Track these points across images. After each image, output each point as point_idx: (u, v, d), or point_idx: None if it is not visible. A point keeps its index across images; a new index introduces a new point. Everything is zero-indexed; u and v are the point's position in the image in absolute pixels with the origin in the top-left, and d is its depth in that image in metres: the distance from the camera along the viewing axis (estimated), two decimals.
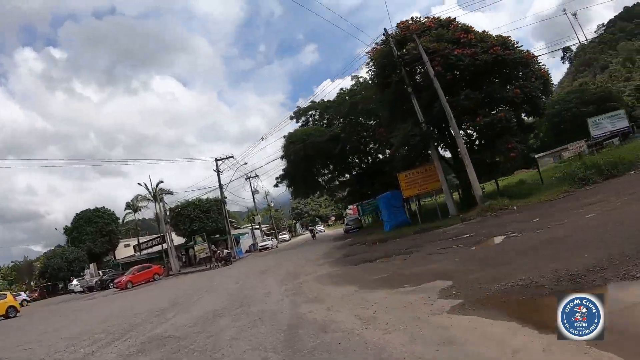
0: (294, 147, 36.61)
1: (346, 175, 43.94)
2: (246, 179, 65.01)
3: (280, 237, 72.96)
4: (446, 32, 24.13)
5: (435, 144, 25.15)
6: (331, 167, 41.69)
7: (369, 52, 27.53)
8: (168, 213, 48.95)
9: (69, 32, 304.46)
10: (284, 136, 39.56)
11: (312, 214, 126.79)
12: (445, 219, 22.76)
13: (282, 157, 39.55)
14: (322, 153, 36.60)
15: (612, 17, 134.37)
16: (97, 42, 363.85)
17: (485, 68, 22.66)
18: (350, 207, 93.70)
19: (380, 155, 41.76)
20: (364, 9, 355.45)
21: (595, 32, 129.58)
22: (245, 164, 50.35)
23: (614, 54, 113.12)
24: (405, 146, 23.20)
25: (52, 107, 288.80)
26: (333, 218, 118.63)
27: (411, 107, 24.81)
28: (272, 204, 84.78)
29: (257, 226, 69.62)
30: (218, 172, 47.90)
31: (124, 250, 67.98)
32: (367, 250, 19.59)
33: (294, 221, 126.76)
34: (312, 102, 41.70)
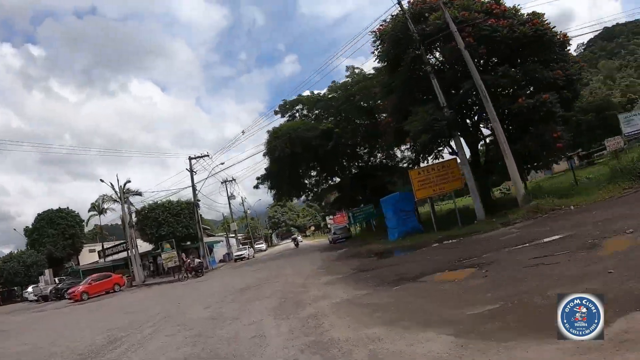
0: (279, 142, 31.69)
1: (334, 179, 39.47)
2: (222, 183, 60.19)
3: (256, 246, 68.59)
4: (472, 3, 20.06)
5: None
6: (319, 168, 36.93)
7: (376, 29, 23.22)
8: (134, 216, 43.53)
9: (49, 30, 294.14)
10: (268, 131, 34.69)
11: (289, 223, 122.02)
12: (470, 224, 18.65)
13: (264, 154, 34.52)
14: (311, 151, 31.89)
15: (592, 37, 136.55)
16: (76, 42, 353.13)
17: (522, 43, 18.59)
18: (337, 214, 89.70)
19: (372, 159, 38.02)
20: (345, 22, 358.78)
21: (575, 51, 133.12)
22: (222, 163, 44.95)
23: (595, 71, 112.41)
24: (428, 133, 18.66)
25: (28, 106, 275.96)
26: (312, 228, 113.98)
27: (427, 90, 20.67)
28: (248, 211, 79.61)
29: (233, 234, 64.36)
30: (191, 171, 42.61)
31: (89, 256, 61.13)
32: (379, 263, 15.26)
33: (271, 231, 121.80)
34: (299, 95, 37.13)
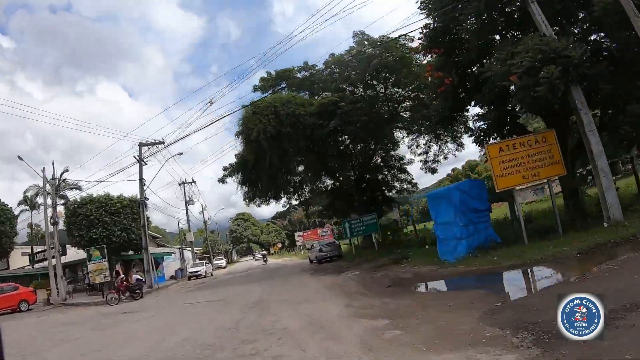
0: (259, 121, 22.89)
1: (325, 181, 31.24)
2: (180, 185, 50.56)
3: (215, 262, 59.06)
4: None
5: None
6: (309, 161, 27.72)
7: None
8: (63, 212, 33.54)
9: (21, 22, 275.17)
10: (245, 105, 25.49)
11: (251, 239, 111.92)
12: (592, 229, 11.34)
13: (237, 134, 25.21)
14: (303, 135, 23.41)
15: None
16: (48, 38, 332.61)
17: None
18: (309, 230, 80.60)
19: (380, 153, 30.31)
20: (316, 46, 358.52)
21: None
22: (181, 154, 35.41)
23: None
24: (555, 64, 10.43)
25: None
26: (279, 245, 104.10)
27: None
28: (208, 222, 69.58)
29: (189, 247, 54.48)
30: (140, 160, 33.17)
31: (21, 260, 49.01)
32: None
33: (232, 246, 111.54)
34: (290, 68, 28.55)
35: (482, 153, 23.80)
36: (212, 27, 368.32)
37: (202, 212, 65.45)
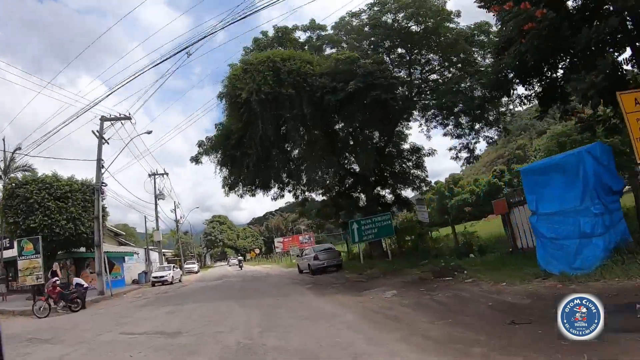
0: (251, 79, 16.83)
1: (328, 171, 24.77)
2: (150, 176, 44.25)
3: (186, 266, 53.02)
4: None
5: None
6: (307, 140, 20.68)
7: None
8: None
9: (6, 8, 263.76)
10: (232, 65, 19.45)
11: (227, 243, 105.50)
12: None
13: (220, 97, 18.90)
14: (312, 100, 17.22)
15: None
16: (32, 26, 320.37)
17: None
18: (291, 236, 74.48)
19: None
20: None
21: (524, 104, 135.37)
22: (150, 132, 29.00)
23: (553, 122, 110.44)
24: None
25: None
26: (256, 251, 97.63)
27: None
28: (181, 220, 62.67)
29: (157, 247, 47.86)
30: (101, 137, 26.81)
31: None
32: None
33: (206, 249, 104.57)
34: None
35: (463, 167, 19.42)
36: (198, 27, 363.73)
37: (175, 209, 58.93)
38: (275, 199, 24.37)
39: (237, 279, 29.11)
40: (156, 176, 44.59)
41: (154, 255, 45.52)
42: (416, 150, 25.00)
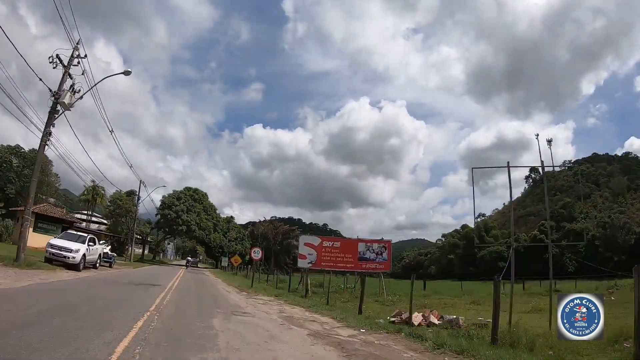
0: None
1: None
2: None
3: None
4: None
5: None
6: None
7: None
8: None
9: None
10: None
11: (197, 233, 67.95)
12: None
13: None
14: None
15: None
16: None
17: None
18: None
19: None
20: (318, 80, 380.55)
21: (560, 166, 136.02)
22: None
23: (593, 187, 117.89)
24: None
25: None
26: (238, 259, 62.93)
27: None
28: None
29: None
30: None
31: None
32: None
33: (158, 232, 73.22)
34: None
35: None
36: (225, 21, 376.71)
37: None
38: None
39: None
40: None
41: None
42: None
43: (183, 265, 57.04)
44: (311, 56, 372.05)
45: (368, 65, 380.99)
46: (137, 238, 57.69)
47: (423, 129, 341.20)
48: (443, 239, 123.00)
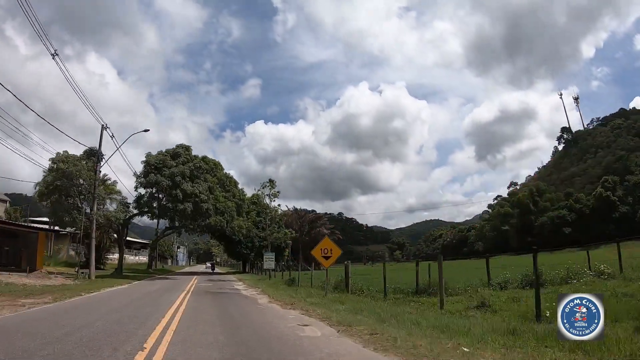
0: None
1: None
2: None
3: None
4: None
5: None
6: None
7: None
8: None
9: None
10: None
11: (212, 220, 37.96)
12: None
13: None
14: None
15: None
16: None
17: None
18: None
19: None
20: (314, 70, 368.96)
21: (587, 125, 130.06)
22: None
23: (637, 140, 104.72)
24: None
25: None
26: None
27: None
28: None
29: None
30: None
31: None
32: None
33: (138, 211, 39.91)
34: None
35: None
36: (214, 20, 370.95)
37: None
38: None
39: None
40: None
41: None
42: None
43: (196, 275, 41.90)
44: (305, 46, 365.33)
45: (363, 48, 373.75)
46: (110, 233, 38.39)
47: (425, 109, 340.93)
48: (490, 210, 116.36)
